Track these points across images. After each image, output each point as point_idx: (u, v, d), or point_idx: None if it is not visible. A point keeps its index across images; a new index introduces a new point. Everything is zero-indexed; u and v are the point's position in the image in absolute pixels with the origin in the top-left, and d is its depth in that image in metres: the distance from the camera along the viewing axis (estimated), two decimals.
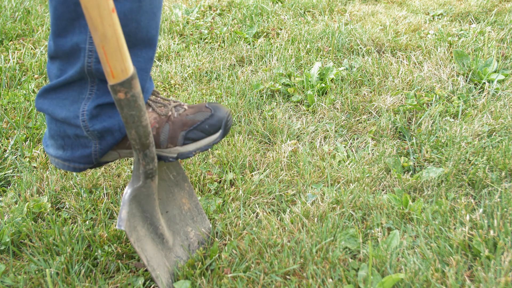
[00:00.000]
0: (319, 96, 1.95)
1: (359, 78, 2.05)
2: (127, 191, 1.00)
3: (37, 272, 1.14)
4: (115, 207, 1.35)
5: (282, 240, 1.18)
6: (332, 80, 2.04)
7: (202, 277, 1.10)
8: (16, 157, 1.62)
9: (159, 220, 1.09)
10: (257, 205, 1.35)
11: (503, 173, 1.39)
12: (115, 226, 0.98)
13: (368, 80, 2.05)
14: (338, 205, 1.31)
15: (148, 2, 0.94)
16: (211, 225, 1.26)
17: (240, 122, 1.79)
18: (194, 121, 1.04)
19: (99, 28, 0.78)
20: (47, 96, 1.01)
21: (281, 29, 2.68)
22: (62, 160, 1.07)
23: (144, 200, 1.03)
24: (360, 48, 2.34)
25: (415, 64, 2.15)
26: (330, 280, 1.06)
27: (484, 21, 2.62)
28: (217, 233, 1.25)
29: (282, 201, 1.37)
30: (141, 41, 0.97)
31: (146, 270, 1.14)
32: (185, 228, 1.18)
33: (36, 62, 2.31)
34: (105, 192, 1.42)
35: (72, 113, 0.99)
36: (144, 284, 1.11)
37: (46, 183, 1.47)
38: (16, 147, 1.67)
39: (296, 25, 2.70)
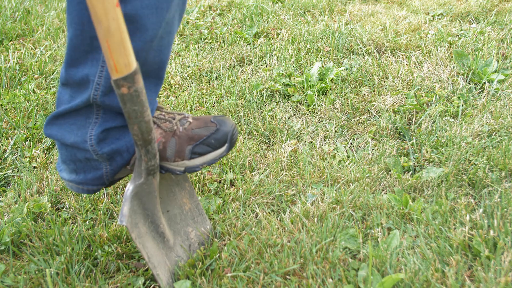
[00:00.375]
0: (319, 96, 1.95)
1: (359, 78, 2.05)
2: (129, 187, 1.00)
3: (37, 272, 1.14)
4: (115, 207, 1.35)
5: (282, 240, 1.18)
6: (332, 80, 2.04)
7: (203, 277, 1.10)
8: (16, 157, 1.62)
9: (160, 219, 1.09)
10: (257, 205, 1.35)
11: (503, 173, 1.39)
12: (118, 222, 0.99)
13: (368, 80, 2.05)
14: (338, 205, 1.31)
15: (158, 41, 0.95)
16: (211, 226, 1.26)
17: (240, 122, 1.79)
18: (200, 135, 1.06)
19: (103, 22, 0.79)
20: (55, 123, 1.04)
21: (281, 29, 2.68)
22: (76, 184, 1.09)
23: (146, 198, 1.04)
24: (360, 48, 2.34)
25: (415, 64, 2.15)
26: (330, 280, 1.06)
27: (484, 21, 2.62)
28: (216, 233, 1.25)
29: (282, 201, 1.37)
30: (147, 75, 1.00)
31: (146, 270, 1.15)
32: (185, 228, 1.18)
33: (36, 62, 2.31)
34: (105, 192, 1.42)
35: (80, 138, 1.02)
36: (144, 284, 1.11)
37: (46, 183, 1.47)
38: (16, 147, 1.67)
39: (296, 25, 2.70)
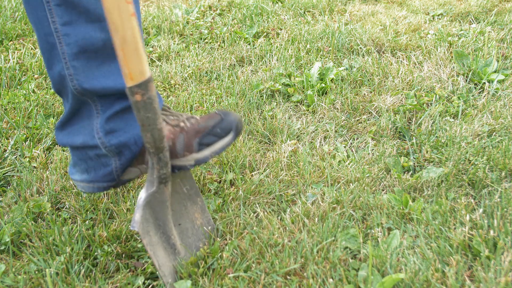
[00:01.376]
0: (319, 96, 1.95)
1: (359, 78, 2.05)
2: (141, 196, 1.02)
3: (37, 272, 1.14)
4: (115, 207, 1.35)
5: (283, 240, 1.18)
6: (332, 80, 2.04)
7: (204, 277, 1.10)
8: (16, 157, 1.62)
9: (172, 230, 1.10)
10: (257, 205, 1.35)
11: (503, 173, 1.39)
12: (130, 227, 1.00)
13: (368, 80, 2.05)
14: (339, 205, 1.31)
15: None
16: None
17: None
18: (206, 127, 1.09)
19: (120, 31, 0.82)
20: (63, 130, 1.10)
21: (281, 29, 2.68)
22: (87, 183, 1.14)
23: (158, 207, 1.05)
24: (360, 48, 2.34)
25: (415, 64, 2.15)
26: (331, 280, 1.06)
27: (484, 21, 2.62)
28: (218, 229, 1.25)
29: (282, 201, 1.37)
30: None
31: (144, 270, 1.15)
32: (197, 243, 1.19)
33: (36, 62, 2.31)
34: (104, 192, 1.42)
35: (88, 136, 1.06)
36: (144, 283, 1.11)
37: (46, 183, 1.46)
38: (16, 147, 1.67)
39: (296, 25, 2.70)
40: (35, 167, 1.57)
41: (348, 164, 1.52)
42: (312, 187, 1.41)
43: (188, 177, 1.19)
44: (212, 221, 1.26)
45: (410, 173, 1.47)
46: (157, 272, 1.11)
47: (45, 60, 1.00)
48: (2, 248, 1.23)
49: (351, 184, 1.41)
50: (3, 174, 1.53)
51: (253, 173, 1.50)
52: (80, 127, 1.07)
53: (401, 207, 1.29)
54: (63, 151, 1.65)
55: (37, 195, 1.43)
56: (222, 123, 1.09)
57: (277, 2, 3.14)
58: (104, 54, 0.98)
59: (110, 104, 1.04)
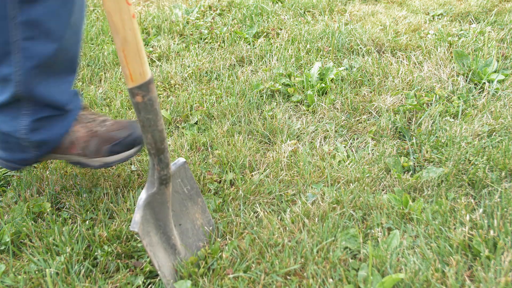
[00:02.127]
0: (319, 96, 1.95)
1: (359, 78, 2.05)
2: (142, 196, 1.01)
3: (37, 272, 1.14)
4: (115, 207, 1.35)
5: (283, 240, 1.18)
6: (332, 80, 2.04)
7: (204, 277, 1.10)
8: None
9: (172, 231, 1.10)
10: (257, 205, 1.35)
11: (503, 173, 1.39)
12: (130, 228, 1.00)
13: (368, 80, 2.05)
14: (339, 205, 1.31)
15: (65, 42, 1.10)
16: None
17: (240, 122, 1.79)
18: (117, 137, 1.26)
19: (120, 32, 0.82)
20: None
21: (281, 29, 2.68)
22: (3, 160, 1.29)
23: (158, 208, 1.05)
24: (360, 48, 2.34)
25: (415, 64, 2.15)
26: (331, 280, 1.06)
27: (484, 21, 2.62)
28: (218, 228, 1.25)
29: (282, 201, 1.37)
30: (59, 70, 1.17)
31: (142, 269, 1.15)
32: (197, 243, 1.19)
33: None
34: (105, 192, 1.42)
35: (13, 128, 1.18)
36: (143, 282, 1.11)
37: (46, 183, 1.46)
38: None
39: (296, 25, 2.70)
40: (35, 167, 1.57)
41: (348, 164, 1.52)
42: (312, 187, 1.41)
43: (189, 177, 1.19)
44: (213, 221, 1.26)
45: (410, 173, 1.47)
46: (158, 272, 1.12)
47: None
48: (2, 248, 1.23)
49: (351, 184, 1.41)
50: (3, 174, 1.53)
51: (253, 173, 1.50)
52: (7, 116, 1.16)
53: (401, 207, 1.29)
54: None
55: (37, 195, 1.43)
56: (131, 136, 1.26)
57: (277, 2, 3.14)
58: (55, 69, 1.09)
59: (40, 110, 1.15)
